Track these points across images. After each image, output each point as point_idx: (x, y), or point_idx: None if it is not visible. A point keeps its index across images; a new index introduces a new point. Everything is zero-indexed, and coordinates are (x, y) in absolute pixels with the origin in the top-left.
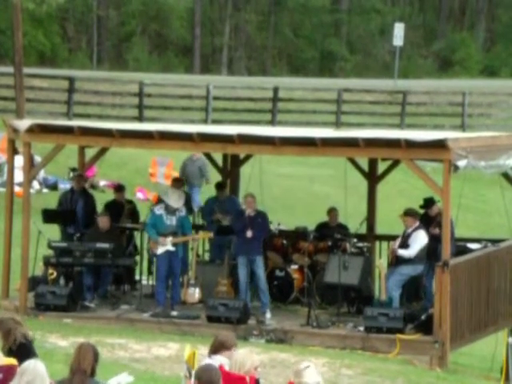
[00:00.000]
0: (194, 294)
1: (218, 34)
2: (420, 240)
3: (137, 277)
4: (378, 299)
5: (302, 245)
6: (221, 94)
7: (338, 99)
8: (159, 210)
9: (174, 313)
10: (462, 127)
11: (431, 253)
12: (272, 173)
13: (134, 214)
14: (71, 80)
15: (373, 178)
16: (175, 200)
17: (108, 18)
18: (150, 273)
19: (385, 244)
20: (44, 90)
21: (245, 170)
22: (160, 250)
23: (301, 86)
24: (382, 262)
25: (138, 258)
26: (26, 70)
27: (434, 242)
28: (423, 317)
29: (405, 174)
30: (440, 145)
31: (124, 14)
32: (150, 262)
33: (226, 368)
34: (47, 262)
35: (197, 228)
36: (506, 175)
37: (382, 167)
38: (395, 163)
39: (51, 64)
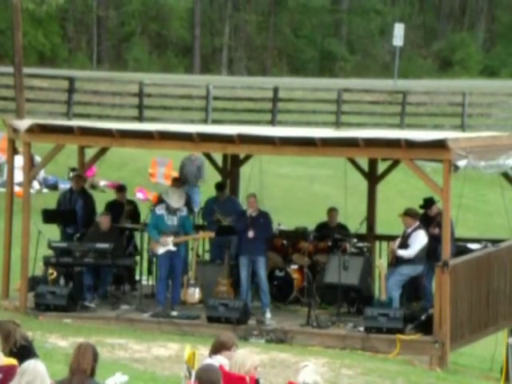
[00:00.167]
0: (194, 294)
1: (217, 34)
2: (420, 240)
3: (137, 277)
4: (378, 299)
5: (302, 245)
6: (221, 94)
7: (338, 99)
8: (160, 210)
9: (174, 313)
10: (462, 127)
11: (431, 253)
12: (272, 173)
13: (134, 215)
14: (71, 80)
15: (373, 178)
16: (176, 200)
17: (108, 18)
18: (149, 273)
19: (385, 244)
20: (44, 90)
21: (245, 170)
22: (161, 250)
23: (301, 86)
24: (381, 262)
25: (138, 258)
26: (26, 70)
27: (434, 242)
28: (423, 317)
29: (405, 174)
30: (440, 145)
31: (124, 14)
32: (150, 262)
33: (226, 368)
34: (47, 262)
35: (198, 228)
36: (505, 175)
37: (381, 167)
38: (395, 163)
39: (51, 64)
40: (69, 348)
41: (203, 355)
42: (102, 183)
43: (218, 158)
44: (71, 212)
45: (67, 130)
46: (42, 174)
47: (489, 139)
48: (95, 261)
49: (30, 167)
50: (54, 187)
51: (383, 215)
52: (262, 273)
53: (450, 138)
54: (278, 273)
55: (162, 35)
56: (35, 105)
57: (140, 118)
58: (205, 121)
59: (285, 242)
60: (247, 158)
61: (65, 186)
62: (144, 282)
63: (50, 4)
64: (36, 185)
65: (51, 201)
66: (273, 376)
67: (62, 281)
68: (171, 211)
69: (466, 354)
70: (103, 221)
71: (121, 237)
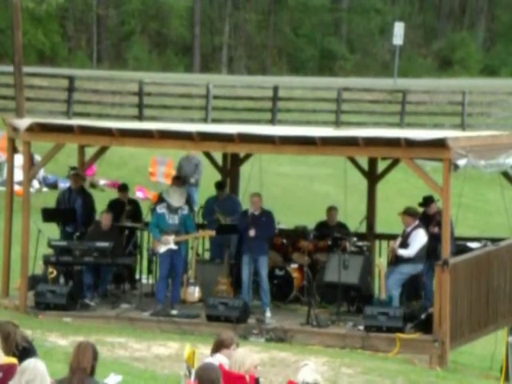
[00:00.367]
0: (194, 292)
1: (217, 32)
2: (420, 239)
3: (137, 276)
4: (378, 298)
5: (302, 244)
6: (221, 93)
7: (338, 98)
8: (161, 209)
9: (174, 312)
10: (462, 126)
11: (431, 252)
12: (272, 172)
13: (135, 215)
14: (71, 79)
15: (372, 177)
16: (177, 199)
17: (108, 17)
18: (149, 272)
19: (384, 243)
20: (44, 88)
21: (245, 169)
22: (162, 249)
23: (300, 85)
24: (381, 261)
25: (137, 256)
26: (26, 69)
27: (434, 240)
28: (423, 316)
29: (405, 173)
30: (440, 144)
31: (124, 13)
32: (150, 261)
33: (226, 367)
34: (47, 261)
35: (198, 227)
36: (505, 174)
37: (381, 166)
38: (395, 162)
39: (51, 63)
40: (69, 347)
41: (203, 354)
42: (102, 182)
43: (218, 156)
44: (71, 211)
45: (67, 129)
46: (41, 172)
47: (489, 138)
48: (95, 260)
49: (30, 166)
50: (53, 186)
51: (383, 214)
52: (264, 272)
53: (449, 137)
54: (277, 272)
55: (162, 34)
56: (35, 104)
57: (140, 117)
58: (205, 120)
59: (285, 240)
60: (247, 156)
61: (64, 184)
62: (144, 281)
63: (49, 3)
64: (36, 184)
65: (51, 200)
66: (273, 375)
67: (61, 279)
68: (172, 210)
69: (465, 352)
70: (104, 218)
71: (121, 236)
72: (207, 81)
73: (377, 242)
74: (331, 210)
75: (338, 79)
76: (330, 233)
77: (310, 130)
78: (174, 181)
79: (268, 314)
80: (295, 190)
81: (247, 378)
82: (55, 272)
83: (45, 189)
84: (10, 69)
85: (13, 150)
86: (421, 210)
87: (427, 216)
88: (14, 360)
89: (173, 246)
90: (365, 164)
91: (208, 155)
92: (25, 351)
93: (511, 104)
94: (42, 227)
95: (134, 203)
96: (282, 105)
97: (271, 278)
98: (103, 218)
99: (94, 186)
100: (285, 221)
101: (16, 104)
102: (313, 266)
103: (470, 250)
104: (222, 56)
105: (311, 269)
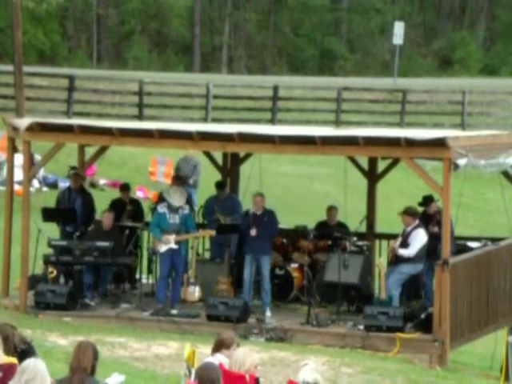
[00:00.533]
0: (194, 292)
1: (217, 32)
2: (420, 239)
3: (137, 275)
4: (378, 298)
5: (302, 243)
6: (221, 93)
7: (338, 98)
8: (162, 209)
9: (174, 311)
10: (462, 126)
11: (431, 251)
12: (272, 171)
13: (136, 215)
14: (71, 78)
15: (373, 176)
16: (177, 198)
17: (108, 17)
18: (149, 271)
19: (385, 243)
20: (44, 88)
21: (245, 169)
22: (163, 248)
23: (301, 84)
24: (381, 261)
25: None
26: (26, 69)
27: (434, 240)
28: (423, 315)
29: (405, 173)
30: (440, 143)
31: (124, 12)
32: (150, 261)
33: (226, 367)
34: (47, 261)
35: (198, 227)
36: (505, 174)
37: (381, 166)
38: (395, 162)
39: (51, 62)
40: (69, 346)
41: (203, 354)
42: (102, 182)
43: (218, 156)
44: (71, 210)
45: (67, 129)
46: (41, 172)
47: (489, 138)
48: (95, 259)
49: (30, 166)
50: (53, 186)
51: (383, 214)
52: (266, 272)
53: (449, 136)
54: (277, 271)
55: (162, 33)
56: (35, 103)
57: (140, 117)
58: (205, 119)
59: (285, 240)
60: (247, 156)
61: (64, 184)
62: (144, 281)
63: (49, 2)
64: (36, 183)
65: (51, 199)
66: (273, 374)
67: (61, 279)
68: (173, 209)
69: (465, 352)
70: (106, 218)
71: (121, 235)
72: (207, 80)
73: (377, 242)
74: (331, 209)
75: (337, 79)
76: (330, 232)
77: (310, 130)
78: (174, 180)
79: (268, 313)
80: (295, 190)
81: (247, 377)
82: (55, 272)
83: (45, 188)
84: (10, 68)
85: (13, 149)
86: (421, 209)
87: (427, 215)
88: (14, 360)
89: (173, 246)
90: (365, 163)
91: (208, 155)
92: (23, 353)
93: (511, 103)
94: (41, 227)
95: (136, 203)
96: (282, 104)
97: (271, 277)
98: (104, 217)
99: (93, 185)
100: (285, 220)
101: (16, 103)
102: (313, 266)
103: (470, 249)
104: (222, 56)
105: (311, 268)
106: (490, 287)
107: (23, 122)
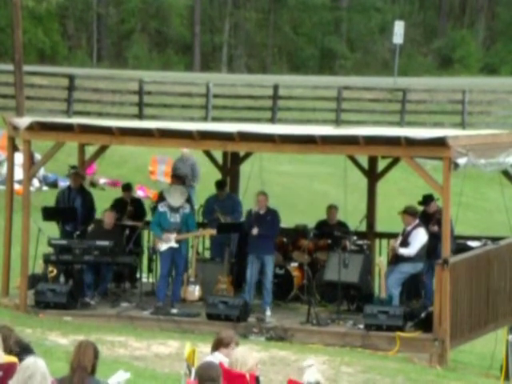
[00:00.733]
0: (194, 291)
1: (217, 31)
2: (420, 238)
3: (137, 275)
4: (378, 297)
5: (302, 242)
6: (221, 92)
7: (338, 97)
8: (163, 208)
9: (174, 310)
10: (462, 125)
11: (431, 251)
12: (272, 171)
13: (138, 214)
14: (71, 78)
15: (373, 175)
16: (177, 198)
17: (108, 16)
18: (150, 271)
19: (385, 242)
20: (44, 87)
21: (245, 168)
22: (163, 247)
23: (301, 83)
24: (381, 260)
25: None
26: (26, 68)
27: (434, 239)
28: (423, 314)
29: (405, 172)
30: (440, 143)
31: (124, 11)
32: (150, 260)
33: (225, 365)
34: (47, 260)
35: (198, 226)
36: (505, 173)
37: (381, 165)
38: (395, 161)
39: (51, 62)
40: (69, 346)
41: (203, 353)
42: (102, 181)
43: (218, 155)
44: (71, 210)
45: (67, 128)
46: (41, 171)
47: (489, 137)
48: (95, 258)
49: (30, 165)
50: (53, 185)
51: (383, 213)
52: (269, 271)
53: (450, 135)
54: (278, 270)
55: (162, 33)
56: (35, 102)
57: (140, 116)
58: (205, 118)
59: (285, 239)
60: (247, 155)
61: (64, 183)
62: (144, 280)
63: (49, 1)
64: (36, 182)
65: (51, 198)
66: (273, 374)
67: (62, 278)
68: (173, 208)
69: (465, 351)
70: (107, 217)
71: (122, 234)
72: (207, 79)
73: (377, 241)
74: (331, 208)
75: (338, 78)
76: (330, 231)
77: (310, 129)
78: (173, 179)
79: (268, 312)
80: (295, 189)
81: (247, 376)
82: (55, 271)
83: (45, 187)
84: (10, 67)
85: (13, 148)
86: (421, 208)
87: (427, 215)
88: (14, 359)
89: (174, 244)
90: (365, 163)
91: (208, 154)
92: (20, 355)
93: (511, 103)
94: (42, 226)
95: (138, 202)
96: (282, 103)
97: None
98: (106, 216)
99: (94, 184)
100: (285, 219)
101: (16, 103)
102: (313, 265)
103: (470, 248)
104: (222, 55)
105: (311, 267)
106: (490, 286)
107: (23, 121)
